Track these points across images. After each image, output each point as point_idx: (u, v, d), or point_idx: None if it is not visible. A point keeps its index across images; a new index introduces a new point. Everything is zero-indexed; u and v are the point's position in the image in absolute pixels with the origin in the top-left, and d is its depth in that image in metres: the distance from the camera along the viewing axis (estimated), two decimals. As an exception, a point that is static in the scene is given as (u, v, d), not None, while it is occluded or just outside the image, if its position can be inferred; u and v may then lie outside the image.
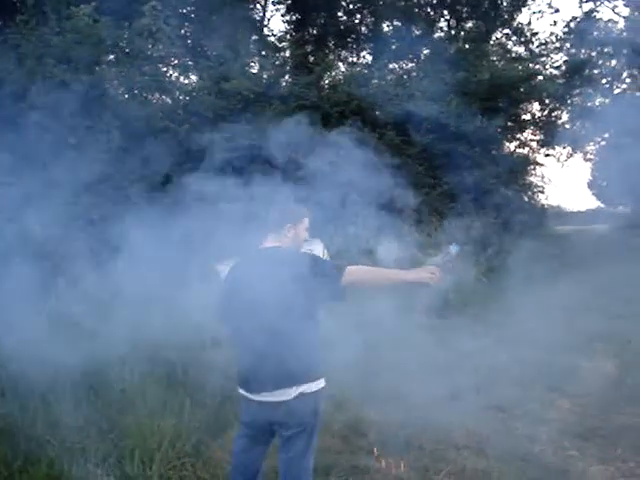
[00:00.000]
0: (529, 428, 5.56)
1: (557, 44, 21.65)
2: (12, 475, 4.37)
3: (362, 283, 3.71)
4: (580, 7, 27.13)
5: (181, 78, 14.18)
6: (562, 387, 6.64)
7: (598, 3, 23.09)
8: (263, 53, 16.94)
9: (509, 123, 17.87)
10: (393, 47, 18.80)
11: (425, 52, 19.43)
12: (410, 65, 19.43)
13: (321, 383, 3.73)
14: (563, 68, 20.27)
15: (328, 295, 3.65)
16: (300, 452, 3.70)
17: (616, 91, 22.57)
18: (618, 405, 6.08)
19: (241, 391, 3.85)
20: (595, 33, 21.40)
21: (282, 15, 22.70)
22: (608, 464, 4.83)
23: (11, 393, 5.58)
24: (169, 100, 12.21)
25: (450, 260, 3.84)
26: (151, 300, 7.20)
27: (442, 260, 3.85)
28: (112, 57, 11.22)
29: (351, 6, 22.25)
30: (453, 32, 22.78)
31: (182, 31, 15.77)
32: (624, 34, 21.93)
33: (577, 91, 20.24)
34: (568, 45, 21.63)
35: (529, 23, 31.26)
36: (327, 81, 15.70)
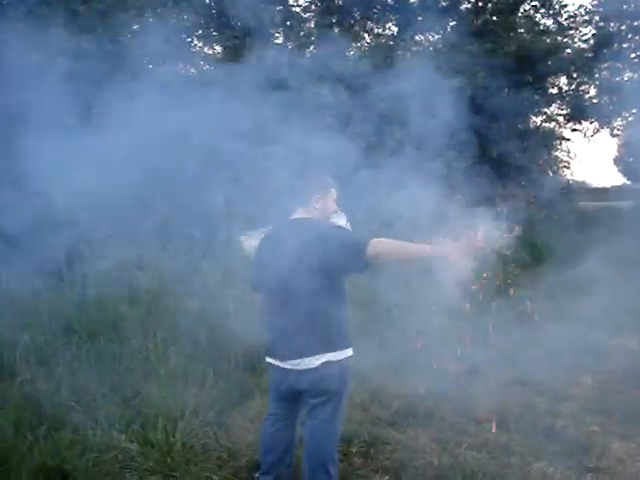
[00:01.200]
0: (551, 403, 5.54)
1: (586, 17, 21.24)
2: (37, 440, 4.42)
3: (386, 256, 3.68)
4: (610, -21, 26.62)
5: (205, 49, 14.12)
6: (585, 363, 6.59)
7: (628, -25, 22.61)
8: (288, 23, 16.78)
9: (536, 97, 17.62)
10: (419, 18, 18.55)
11: (451, 24, 19.16)
12: (436, 37, 19.18)
13: (348, 352, 3.76)
14: (592, 42, 19.93)
15: (352, 267, 3.65)
16: (325, 420, 3.74)
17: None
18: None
19: (268, 359, 3.90)
20: (625, 6, 20.98)
21: (307, -15, 22.47)
22: (629, 440, 4.80)
23: (36, 360, 5.65)
24: (194, 70, 12.16)
25: (476, 241, 3.79)
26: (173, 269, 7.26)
27: (468, 240, 3.79)
28: (137, 27, 11.17)
29: (376, -23, 21.95)
30: (480, 4, 22.43)
31: (207, 1, 15.65)
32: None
33: (605, 65, 19.91)
34: (597, 18, 21.23)
35: (558, -5, 30.72)
36: (352, 52, 15.55)
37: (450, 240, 3.75)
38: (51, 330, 6.08)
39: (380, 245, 3.59)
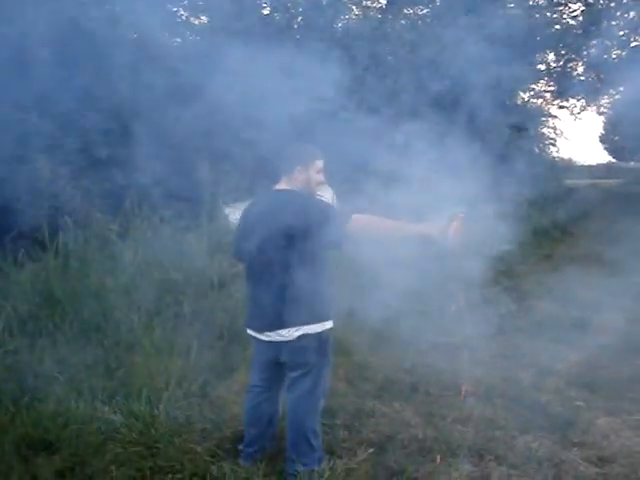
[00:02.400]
0: (536, 378, 5.55)
1: (575, -7, 21.15)
2: (19, 411, 4.39)
3: (367, 232, 3.67)
4: (600, -45, 26.49)
5: (191, 19, 13.89)
6: (571, 338, 6.62)
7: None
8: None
9: (524, 72, 17.54)
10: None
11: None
12: (425, 10, 19.02)
13: (327, 325, 3.76)
14: (580, 18, 19.84)
15: (330, 242, 3.63)
16: (306, 392, 3.75)
17: (633, 44, 22.14)
18: (626, 358, 6.05)
19: (249, 331, 3.88)
20: (614, -18, 20.88)
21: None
22: (614, 416, 4.81)
23: (19, 331, 5.59)
24: (179, 40, 11.98)
25: (458, 221, 3.76)
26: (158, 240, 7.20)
27: (450, 220, 3.76)
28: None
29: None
30: (470, -23, 22.25)
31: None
32: (645, -15, 21.40)
33: (594, 42, 19.84)
34: (587, -6, 21.14)
35: (548, -29, 30.56)
36: (340, 24, 15.39)
37: (434, 219, 3.74)
38: (34, 301, 6.02)
39: (361, 221, 3.59)
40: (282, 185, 3.86)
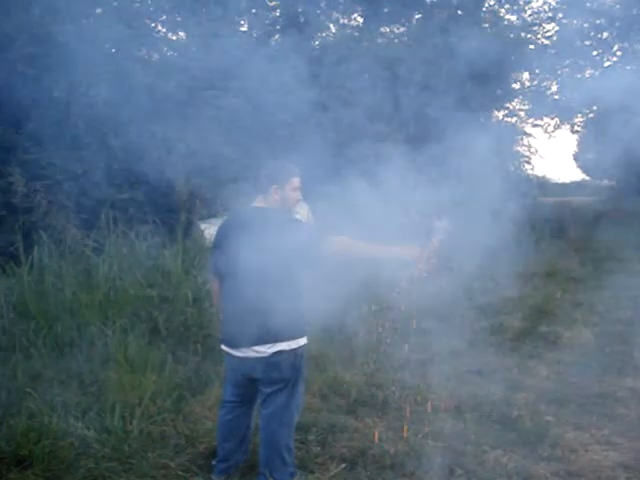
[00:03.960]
0: (507, 393, 5.61)
1: (550, 13, 21.44)
2: (-8, 426, 4.38)
3: (342, 255, 3.75)
4: (573, -24, 26.83)
5: (169, 34, 13.92)
6: (541, 354, 6.72)
7: (591, -27, 22.83)
8: (253, 11, 16.64)
9: (498, 91, 17.75)
10: (385, 10, 18.54)
11: (417, 17, 19.19)
12: (402, 29, 19.21)
13: (301, 341, 3.80)
14: (554, 38, 20.12)
15: (304, 263, 3.71)
16: (280, 408, 3.78)
17: (606, 64, 22.46)
18: (595, 373, 6.15)
19: (223, 346, 3.91)
20: (588, 4, 21.20)
21: (273, -27, 22.30)
22: (583, 430, 4.89)
23: (-8, 346, 5.58)
24: (157, 56, 12.02)
25: (437, 237, 3.86)
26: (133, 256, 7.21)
27: (428, 238, 3.86)
28: (100, 10, 11.01)
29: (343, -33, 21.87)
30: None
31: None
32: (617, 6, 21.75)
33: (567, 62, 20.11)
34: (560, 15, 21.44)
35: (522, -10, 30.90)
36: (317, 42, 15.51)
37: (409, 244, 3.84)
38: (8, 315, 6.01)
39: (337, 245, 3.68)
40: (259, 202, 3.89)
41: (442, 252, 3.96)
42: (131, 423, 4.54)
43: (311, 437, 4.64)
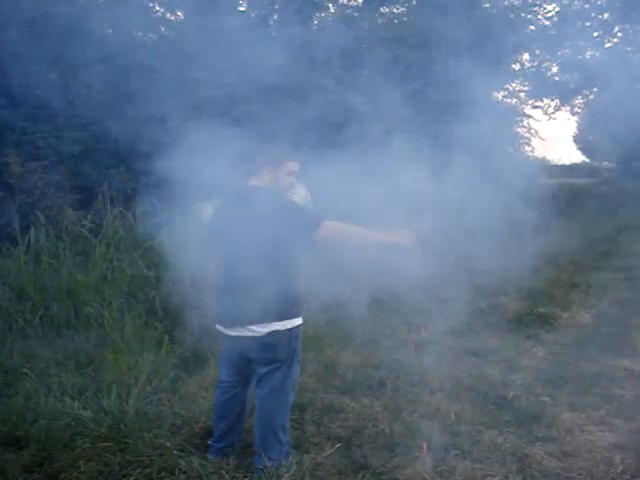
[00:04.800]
0: (503, 374, 5.62)
1: (550, -7, 21.30)
2: (-12, 406, 4.39)
3: (337, 239, 3.75)
4: (575, -43, 26.59)
5: (167, 14, 13.80)
6: (538, 335, 6.73)
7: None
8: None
9: (498, 72, 17.66)
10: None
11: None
12: (401, 9, 19.06)
13: (296, 321, 3.80)
14: (555, 19, 19.98)
15: (298, 246, 3.70)
16: (275, 388, 3.79)
17: (607, 45, 22.31)
18: (592, 354, 6.15)
19: (218, 327, 3.91)
20: (588, -16, 21.06)
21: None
22: (579, 411, 4.89)
23: (-13, 326, 5.59)
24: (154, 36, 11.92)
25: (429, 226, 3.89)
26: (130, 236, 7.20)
27: (422, 224, 3.88)
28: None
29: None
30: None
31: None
32: (618, -14, 21.59)
33: (568, 43, 19.98)
34: (561, -5, 21.29)
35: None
36: (316, 22, 15.39)
37: (401, 228, 3.84)
38: (4, 296, 6.01)
39: (331, 229, 3.67)
40: (254, 182, 3.88)
41: (433, 237, 3.98)
42: (127, 403, 4.54)
43: (307, 417, 4.65)
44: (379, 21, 16.80)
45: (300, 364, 4.05)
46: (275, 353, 3.73)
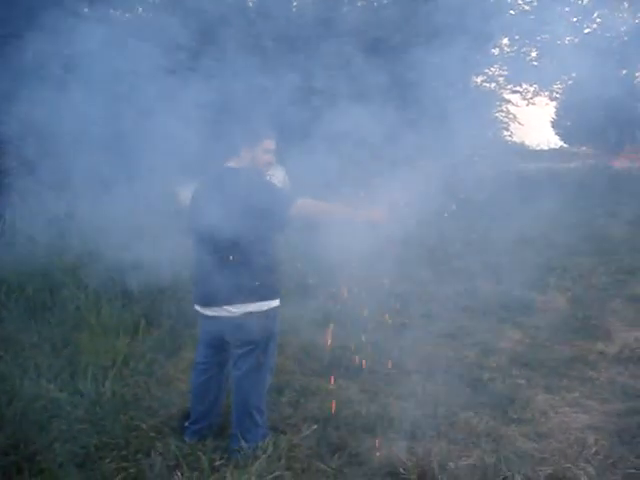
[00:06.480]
0: (479, 356, 5.68)
1: (530, -22, 21.31)
2: (-37, 389, 4.35)
3: (310, 217, 3.80)
4: (555, -59, 26.54)
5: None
6: (514, 318, 6.78)
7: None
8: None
9: (477, 56, 17.65)
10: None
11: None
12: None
13: (272, 304, 3.82)
14: (534, 4, 19.99)
15: (271, 224, 3.72)
16: (251, 370, 3.80)
17: (586, 30, 22.37)
18: (567, 337, 6.21)
19: (196, 306, 3.92)
20: (568, -32, 21.06)
21: None
22: (553, 393, 4.95)
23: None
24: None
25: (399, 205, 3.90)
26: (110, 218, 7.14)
27: (392, 202, 3.90)
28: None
29: None
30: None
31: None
32: (597, -29, 21.62)
33: (547, 28, 20.00)
34: (541, -21, 21.30)
35: (503, -45, 30.60)
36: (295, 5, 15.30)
37: (374, 204, 3.86)
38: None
39: (303, 207, 3.70)
40: (232, 162, 3.89)
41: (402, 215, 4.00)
42: (104, 385, 4.54)
43: (284, 399, 4.67)
44: (358, 4, 16.74)
45: (277, 346, 4.07)
46: (250, 334, 3.73)
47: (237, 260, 3.64)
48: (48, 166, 7.57)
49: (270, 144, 3.91)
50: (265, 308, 3.76)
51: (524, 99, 22.48)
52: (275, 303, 3.83)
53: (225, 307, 3.72)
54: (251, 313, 3.71)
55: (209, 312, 3.83)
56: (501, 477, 3.64)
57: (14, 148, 7.49)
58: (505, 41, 19.49)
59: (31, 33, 5.24)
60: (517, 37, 19.41)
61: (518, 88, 21.26)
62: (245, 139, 3.84)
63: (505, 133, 20.09)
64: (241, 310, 3.70)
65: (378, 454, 3.93)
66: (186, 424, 4.11)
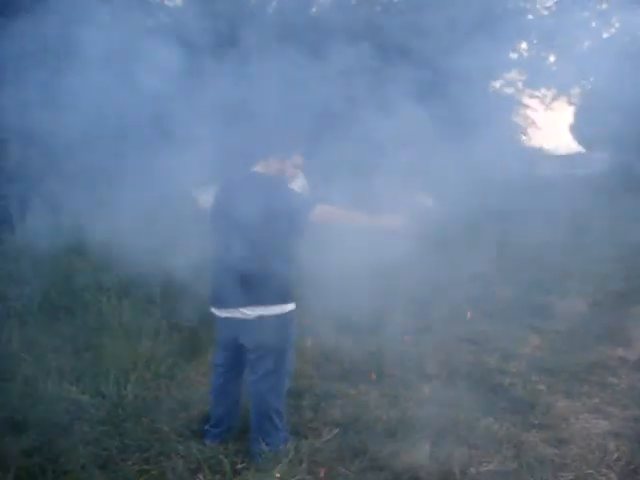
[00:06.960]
0: (500, 362, 5.66)
1: (549, -17, 21.24)
2: (-13, 392, 4.40)
3: (329, 222, 3.81)
4: (574, -55, 26.44)
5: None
6: (534, 324, 6.75)
7: (593, -58, 22.55)
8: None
9: (496, 61, 17.60)
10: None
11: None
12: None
13: (287, 307, 3.81)
14: (553, 8, 19.92)
15: (291, 229, 3.73)
16: (267, 374, 3.80)
17: (605, 35, 22.26)
18: (588, 343, 6.18)
19: (212, 308, 3.95)
20: (587, -27, 20.97)
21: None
22: (574, 399, 4.93)
23: (-14, 312, 5.59)
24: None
25: (422, 210, 3.90)
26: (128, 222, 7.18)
27: (414, 209, 3.90)
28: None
29: None
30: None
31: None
32: (617, -24, 21.52)
33: (566, 32, 19.91)
34: (560, -16, 21.23)
35: (522, -41, 30.50)
36: (314, 9, 15.33)
37: (393, 211, 3.86)
38: (2, 282, 6.01)
39: (322, 213, 3.71)
40: (257, 168, 3.91)
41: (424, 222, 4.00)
42: (125, 388, 4.57)
43: (304, 403, 4.67)
44: (377, 8, 16.74)
45: (294, 350, 4.07)
46: (264, 338, 3.73)
47: (255, 263, 3.65)
48: (70, 170, 7.64)
49: (299, 159, 3.97)
50: (279, 312, 3.76)
51: (542, 104, 22.42)
52: (290, 307, 3.83)
53: (240, 309, 3.74)
54: (265, 316, 3.72)
55: (224, 314, 3.85)
56: (523, 483, 3.64)
57: (35, 153, 7.57)
58: (524, 45, 19.46)
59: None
60: (535, 41, 19.39)
61: (537, 93, 21.20)
62: (277, 150, 3.87)
63: (523, 137, 20.00)
64: (255, 313, 3.71)
65: (399, 459, 3.92)
66: (206, 427, 4.13)
